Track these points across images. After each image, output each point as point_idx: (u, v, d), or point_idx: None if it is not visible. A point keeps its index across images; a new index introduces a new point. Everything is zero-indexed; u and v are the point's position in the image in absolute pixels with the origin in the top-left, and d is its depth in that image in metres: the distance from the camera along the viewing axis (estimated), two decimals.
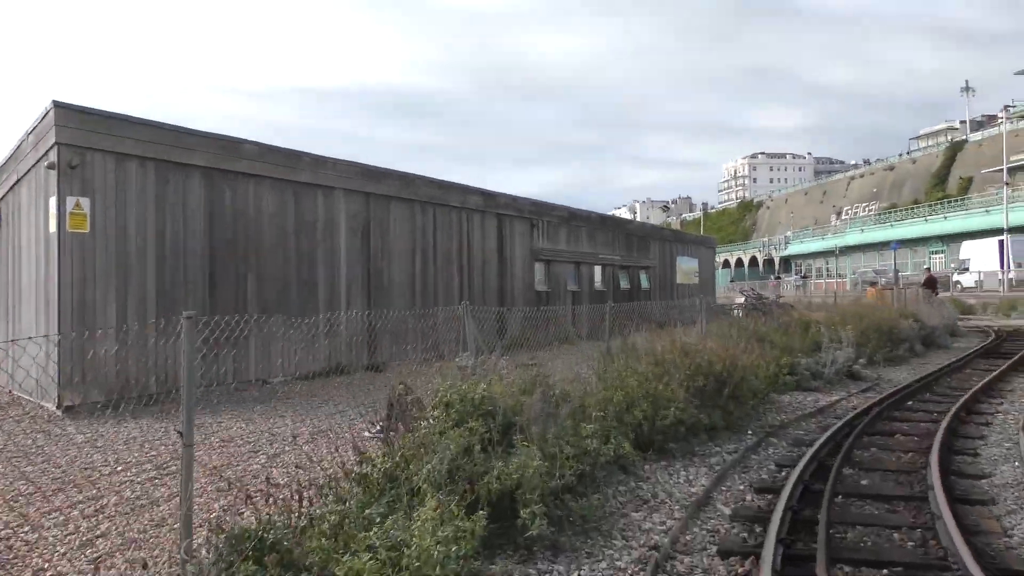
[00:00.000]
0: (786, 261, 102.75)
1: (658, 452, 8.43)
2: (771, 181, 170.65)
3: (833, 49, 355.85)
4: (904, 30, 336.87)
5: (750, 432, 9.80)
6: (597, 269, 29.23)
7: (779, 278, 79.81)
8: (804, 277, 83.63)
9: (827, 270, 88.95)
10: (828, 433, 9.28)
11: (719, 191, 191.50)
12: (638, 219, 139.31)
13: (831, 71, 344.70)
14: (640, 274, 32.69)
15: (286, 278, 16.10)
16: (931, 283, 31.22)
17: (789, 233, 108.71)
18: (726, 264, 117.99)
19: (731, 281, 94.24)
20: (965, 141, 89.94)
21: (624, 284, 31.27)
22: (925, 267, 36.12)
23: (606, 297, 29.57)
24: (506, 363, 8.99)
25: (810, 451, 8.35)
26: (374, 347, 17.44)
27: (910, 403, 12.12)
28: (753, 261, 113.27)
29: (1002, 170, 71.72)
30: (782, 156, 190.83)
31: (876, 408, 11.23)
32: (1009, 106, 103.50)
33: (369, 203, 18.27)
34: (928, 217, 74.62)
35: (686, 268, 37.90)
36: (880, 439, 9.49)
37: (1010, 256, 45.33)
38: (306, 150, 17.03)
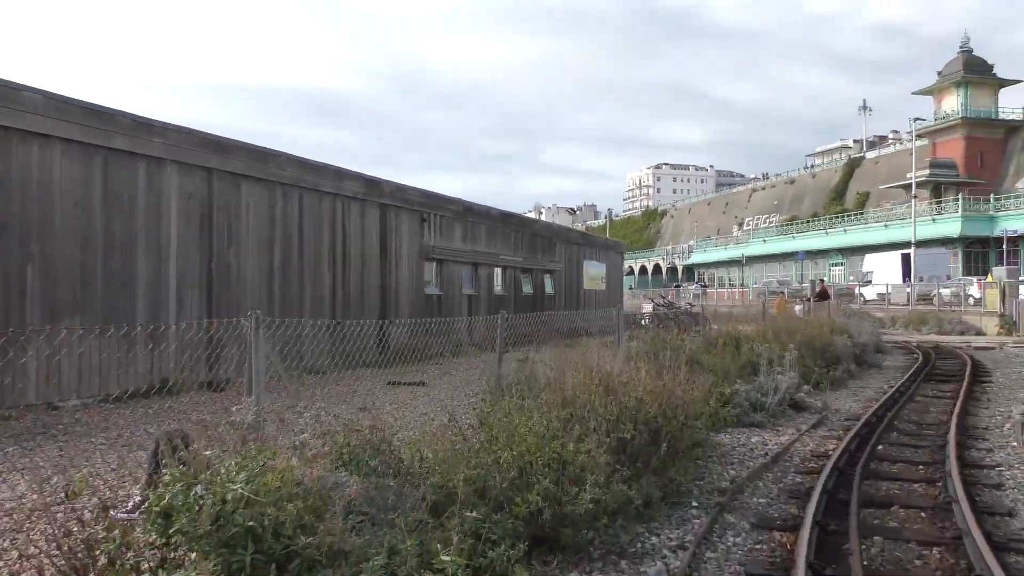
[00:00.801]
0: (689, 270, 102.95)
1: (567, 551, 5.41)
2: (674, 192, 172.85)
3: (736, 69, 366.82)
4: (802, 55, 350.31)
5: (695, 504, 6.91)
6: (497, 271, 26.26)
7: (679, 286, 79.09)
8: (704, 286, 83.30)
9: (729, 279, 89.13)
10: (805, 509, 6.49)
11: (624, 200, 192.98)
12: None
13: (734, 89, 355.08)
14: (544, 278, 29.92)
15: (87, 271, 12.35)
16: (823, 295, 29.43)
17: (692, 242, 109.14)
18: (630, 271, 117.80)
19: (629, 288, 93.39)
20: (863, 158, 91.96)
21: (527, 289, 28.42)
22: (820, 278, 34.76)
23: (507, 302, 26.66)
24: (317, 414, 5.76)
25: (786, 538, 5.50)
26: (215, 359, 13.84)
27: (880, 448, 9.55)
28: (657, 269, 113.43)
29: (898, 186, 73.17)
30: (685, 167, 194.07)
31: (844, 457, 8.60)
32: (895, 131, 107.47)
33: (212, 181, 14.65)
34: (828, 230, 75.30)
35: (593, 273, 35.44)
36: (875, 515, 6.76)
37: (914, 269, 45.03)
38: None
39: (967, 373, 16.82)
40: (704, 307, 51.52)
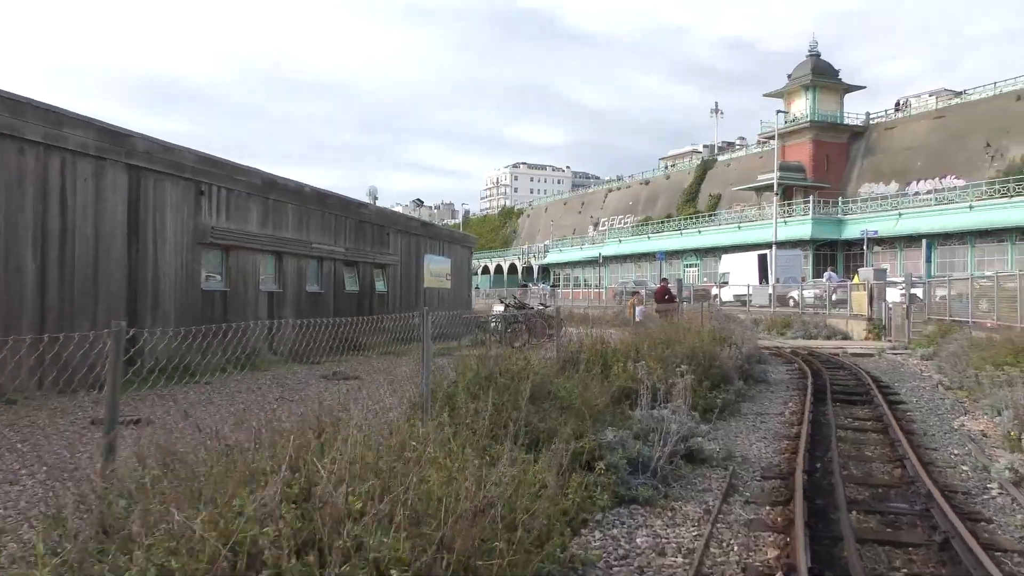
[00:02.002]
0: (545, 269, 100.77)
1: None
2: (531, 192, 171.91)
3: (595, 73, 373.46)
4: (657, 62, 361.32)
5: None
6: (311, 264, 21.31)
7: (526, 285, 76.29)
8: (554, 286, 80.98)
9: (585, 280, 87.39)
10: None
11: (482, 199, 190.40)
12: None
13: (592, 94, 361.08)
14: (375, 274, 25.21)
15: None
16: (667, 297, 25.57)
17: (548, 242, 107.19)
18: (486, 270, 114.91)
19: (477, 287, 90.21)
20: (715, 160, 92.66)
21: (351, 285, 23.61)
22: (663, 278, 32.08)
23: (324, 302, 21.79)
24: None
25: None
26: None
27: (846, 555, 5.64)
28: (513, 268, 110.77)
29: (748, 188, 73.46)
30: (543, 168, 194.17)
31: None
32: (742, 138, 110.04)
33: None
34: (683, 231, 74.58)
35: (436, 269, 31.03)
36: None
37: (773, 270, 43.58)
38: None
39: (875, 392, 13.67)
40: (558, 308, 48.40)
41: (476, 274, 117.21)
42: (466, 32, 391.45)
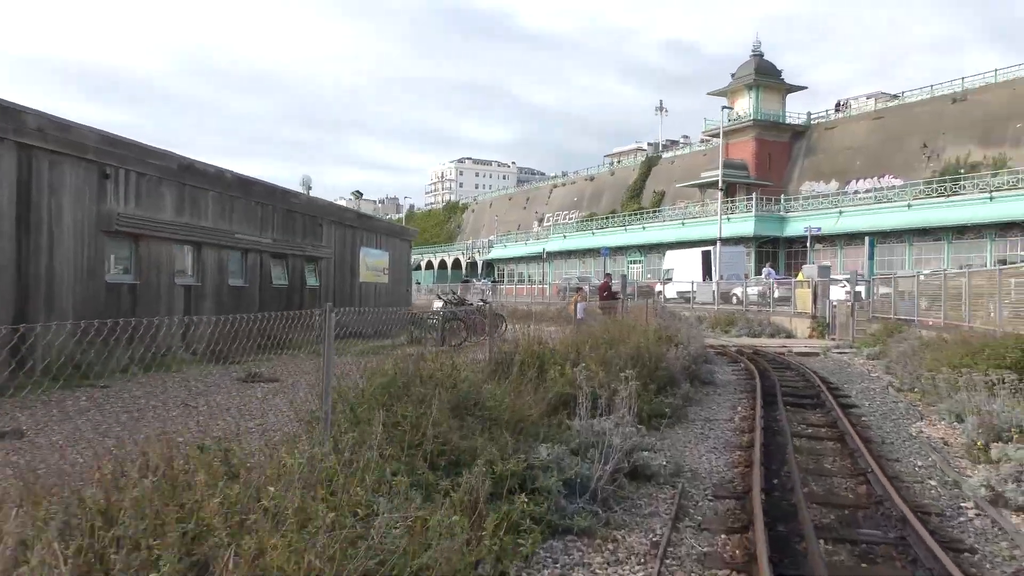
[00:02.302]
0: (489, 265, 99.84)
1: None
2: (476, 187, 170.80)
3: (541, 72, 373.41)
4: (603, 63, 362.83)
5: None
6: (234, 255, 19.91)
7: (467, 281, 75.27)
8: (494, 282, 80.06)
9: (529, 275, 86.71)
10: None
11: (426, 193, 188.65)
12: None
13: (539, 92, 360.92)
14: (306, 267, 23.86)
15: None
16: (609, 293, 24.74)
17: (493, 237, 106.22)
18: (429, 266, 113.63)
19: (419, 283, 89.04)
20: (659, 157, 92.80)
21: (279, 279, 22.24)
22: (607, 273, 31.25)
23: (249, 296, 20.44)
24: None
25: None
26: None
27: None
28: (457, 263, 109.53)
29: (692, 185, 73.63)
30: (488, 163, 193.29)
31: None
32: (686, 136, 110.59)
33: None
34: (627, 227, 74.39)
35: (373, 263, 29.74)
36: None
37: (718, 267, 43.35)
38: None
39: (826, 395, 13.03)
40: (502, 304, 47.46)
41: (419, 269, 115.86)
42: (414, 28, 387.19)
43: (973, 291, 16.39)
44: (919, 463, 8.47)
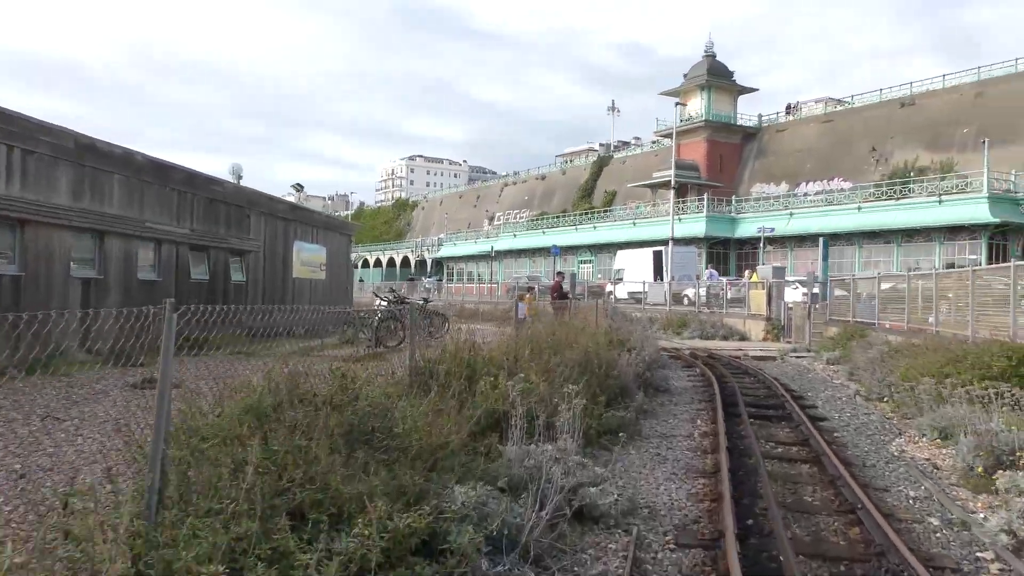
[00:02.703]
0: (439, 263, 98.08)
1: None
2: (428, 185, 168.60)
3: (495, 71, 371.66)
4: (557, 63, 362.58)
5: None
6: (145, 247, 18.02)
7: (413, 279, 73.58)
8: (439, 280, 78.48)
9: (479, 274, 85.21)
10: None
11: (377, 190, 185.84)
12: None
13: (491, 91, 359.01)
14: (231, 261, 22.00)
15: None
16: (558, 291, 23.55)
17: (443, 235, 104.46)
18: (378, 263, 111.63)
19: (362, 280, 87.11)
20: (611, 157, 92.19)
21: (199, 274, 20.37)
22: (559, 272, 30.04)
23: (163, 291, 18.46)
24: None
25: None
26: None
27: None
28: (406, 261, 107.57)
29: (644, 185, 72.95)
30: (440, 161, 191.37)
31: None
32: (637, 137, 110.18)
33: None
34: (578, 226, 73.43)
35: (308, 258, 27.92)
36: None
37: (669, 267, 42.40)
38: None
39: (791, 405, 11.84)
40: (449, 303, 45.93)
41: (367, 267, 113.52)
42: (369, 24, 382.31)
43: (941, 293, 15.43)
44: (911, 493, 7.23)
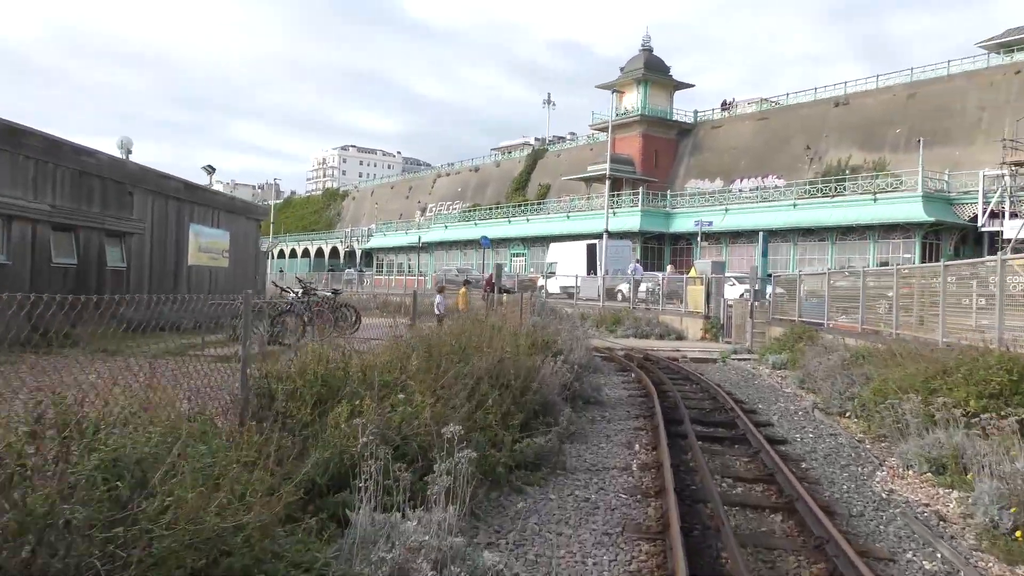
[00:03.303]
0: (368, 254, 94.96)
1: None
2: (360, 175, 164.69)
3: (430, 64, 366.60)
4: (492, 58, 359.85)
5: None
6: None
7: (333, 270, 70.68)
8: (361, 271, 75.62)
9: (409, 266, 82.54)
10: None
11: (308, 180, 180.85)
12: None
13: (429, 84, 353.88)
14: (107, 243, 19.17)
15: None
16: (492, 284, 22.01)
17: (373, 226, 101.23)
18: (306, 253, 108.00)
19: (281, 271, 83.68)
20: (546, 150, 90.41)
21: (64, 257, 17.54)
22: (497, 264, 27.93)
23: (13, 277, 15.75)
24: None
25: None
26: None
27: None
28: (335, 252, 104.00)
29: (579, 178, 71.35)
30: (373, 152, 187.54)
31: None
32: (572, 132, 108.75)
33: None
34: (511, 219, 71.43)
35: (208, 244, 25.13)
36: None
37: (603, 261, 40.66)
38: None
39: (744, 422, 9.96)
40: (373, 296, 43.21)
41: (296, 257, 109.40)
42: (305, 13, 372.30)
43: (903, 293, 13.82)
44: (927, 566, 5.31)
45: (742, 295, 26.07)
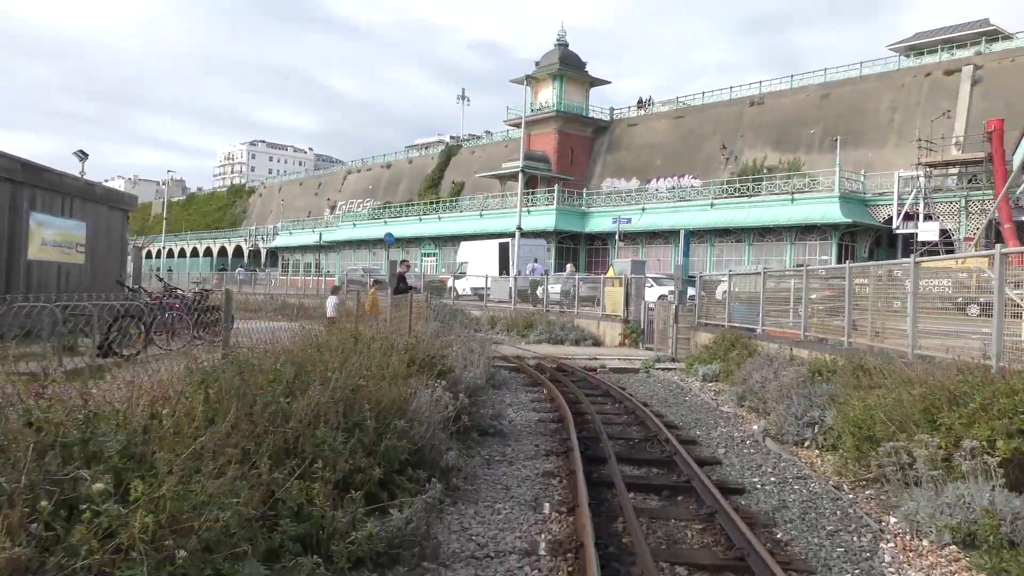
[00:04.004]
0: (273, 253, 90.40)
1: None
2: (270, 172, 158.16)
3: (347, 61, 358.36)
4: (411, 57, 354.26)
5: None
6: None
7: (224, 270, 66.69)
8: (252, 270, 71.59)
9: (316, 265, 78.59)
10: None
11: (215, 176, 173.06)
12: None
13: (345, 82, 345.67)
14: None
15: None
16: (402, 281, 19.62)
17: (279, 224, 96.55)
18: (208, 252, 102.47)
19: (170, 271, 78.86)
20: (460, 147, 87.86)
21: None
22: (403, 260, 25.44)
23: None
24: None
25: None
26: None
27: None
28: (238, 251, 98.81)
29: (492, 175, 69.11)
30: (283, 147, 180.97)
31: None
32: (488, 131, 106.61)
33: None
34: (422, 217, 68.59)
35: (55, 236, 21.51)
36: None
37: (516, 261, 38.36)
38: None
39: (684, 459, 7.65)
40: (271, 296, 39.76)
41: (197, 256, 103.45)
42: (216, 5, 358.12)
43: (857, 296, 11.87)
44: None
45: (662, 297, 24.17)
